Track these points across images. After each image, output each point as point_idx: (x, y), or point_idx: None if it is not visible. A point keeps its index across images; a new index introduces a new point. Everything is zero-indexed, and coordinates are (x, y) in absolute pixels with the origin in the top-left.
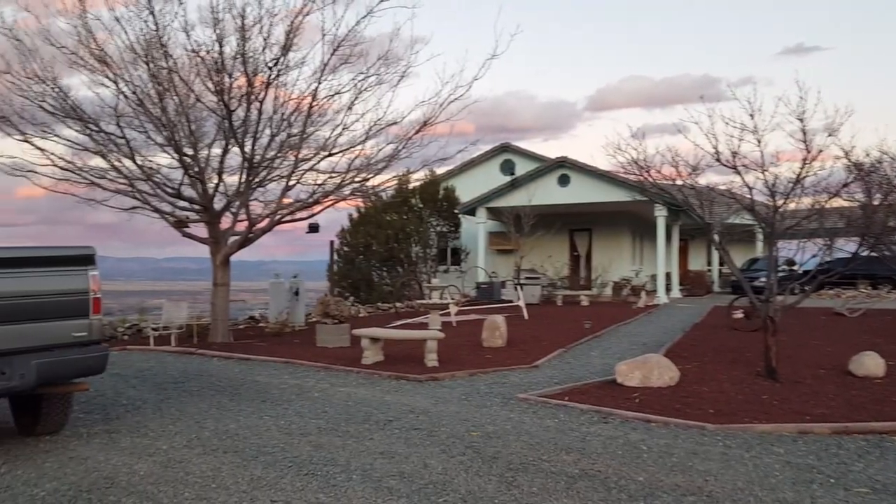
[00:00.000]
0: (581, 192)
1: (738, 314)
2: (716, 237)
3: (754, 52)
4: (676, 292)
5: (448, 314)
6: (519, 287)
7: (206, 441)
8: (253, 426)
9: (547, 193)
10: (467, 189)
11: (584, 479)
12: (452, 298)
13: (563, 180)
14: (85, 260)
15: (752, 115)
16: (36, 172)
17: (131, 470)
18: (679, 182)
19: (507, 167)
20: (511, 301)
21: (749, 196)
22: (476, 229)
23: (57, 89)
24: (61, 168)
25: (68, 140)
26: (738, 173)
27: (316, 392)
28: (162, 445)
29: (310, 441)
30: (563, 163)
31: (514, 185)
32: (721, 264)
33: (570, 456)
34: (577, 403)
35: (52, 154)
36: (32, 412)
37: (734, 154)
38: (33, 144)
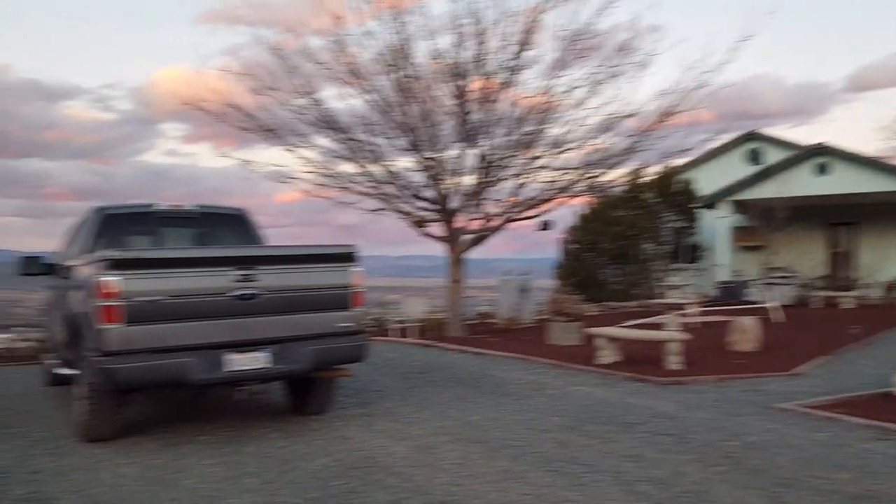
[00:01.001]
0: (843, 182)
1: None
2: None
3: None
4: None
5: (686, 314)
6: (769, 287)
7: (453, 430)
8: (495, 419)
9: (801, 184)
10: (705, 182)
11: (865, 500)
12: (692, 298)
13: (821, 169)
14: (348, 257)
15: None
16: (299, 179)
17: (389, 452)
18: None
19: (752, 156)
20: (758, 302)
21: None
22: (715, 224)
23: (316, 102)
24: (322, 175)
25: (322, 147)
26: None
27: (552, 389)
28: (414, 431)
29: (552, 438)
30: (820, 149)
31: (763, 175)
32: None
33: (847, 474)
34: (850, 417)
35: (312, 162)
36: (303, 394)
37: None
38: (297, 154)
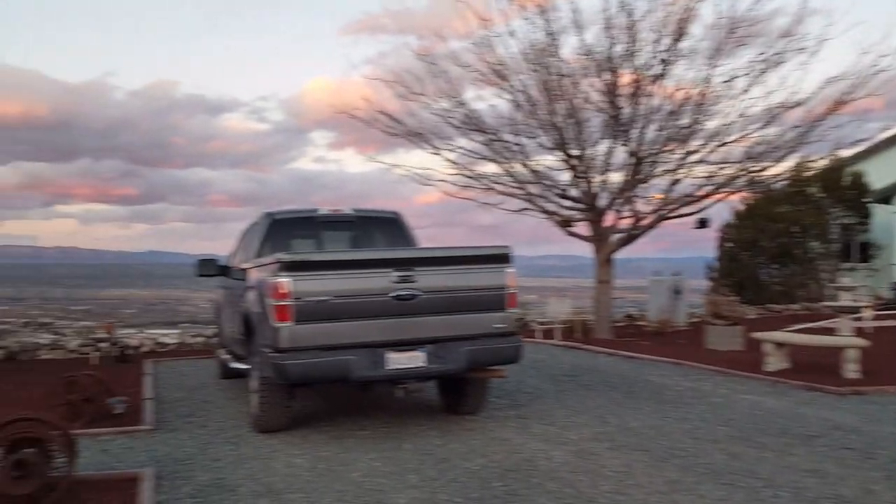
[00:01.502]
0: None
1: None
2: None
3: None
4: None
5: (859, 318)
6: None
7: (612, 436)
8: (656, 426)
9: None
10: (878, 174)
11: None
12: (864, 300)
13: None
14: (503, 258)
15: None
16: (442, 181)
17: (548, 456)
18: None
19: None
20: None
21: None
22: (890, 220)
23: (461, 104)
24: (466, 176)
25: (465, 149)
26: None
27: (716, 397)
28: (571, 436)
29: (721, 448)
30: None
31: None
32: None
33: None
34: None
35: (456, 164)
36: (457, 393)
37: None
38: (441, 156)
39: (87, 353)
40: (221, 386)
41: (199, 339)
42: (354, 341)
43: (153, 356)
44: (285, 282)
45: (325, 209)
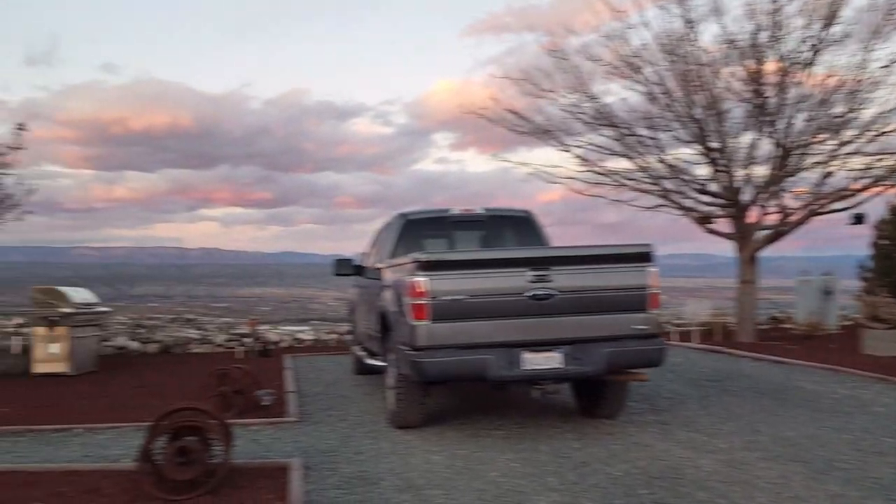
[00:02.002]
0: None
1: None
2: None
3: None
4: None
5: None
6: None
7: (765, 446)
8: (813, 436)
9: None
10: None
11: None
12: None
13: None
14: (645, 257)
15: None
16: (568, 178)
17: (695, 465)
18: None
19: None
20: None
21: None
22: None
23: (592, 99)
24: (596, 173)
25: (593, 145)
26: None
27: (879, 406)
28: (719, 444)
29: (889, 462)
30: None
31: None
32: None
33: None
34: None
35: (585, 160)
36: (594, 396)
37: None
38: (568, 153)
39: (233, 348)
40: (356, 381)
41: (333, 336)
42: (490, 341)
43: (291, 351)
44: (422, 281)
45: (456, 209)
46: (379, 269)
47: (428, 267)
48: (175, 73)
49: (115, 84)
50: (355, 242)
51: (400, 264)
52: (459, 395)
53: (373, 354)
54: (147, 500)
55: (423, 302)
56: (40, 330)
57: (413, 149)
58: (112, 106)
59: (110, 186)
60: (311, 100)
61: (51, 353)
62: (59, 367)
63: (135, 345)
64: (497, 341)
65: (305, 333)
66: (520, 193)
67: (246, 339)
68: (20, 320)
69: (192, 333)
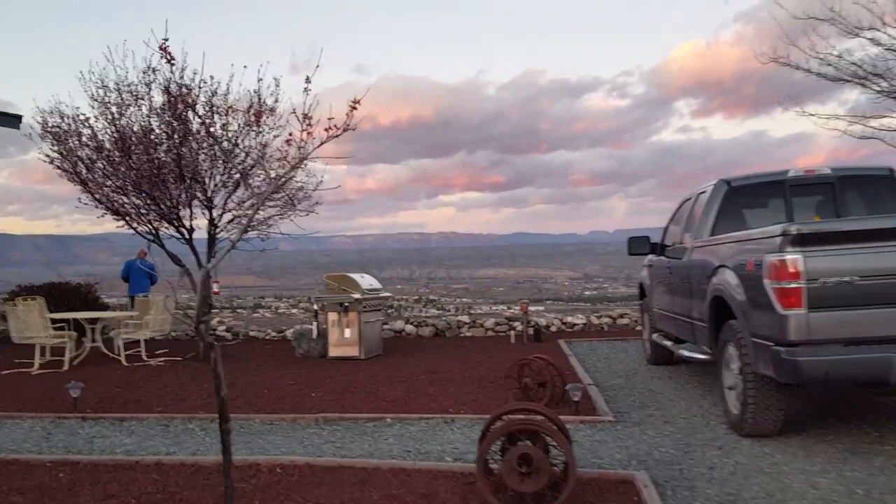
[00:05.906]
0: None
1: None
2: None
3: None
4: None
5: None
6: None
7: None
8: None
9: None
10: None
11: None
12: None
13: None
14: None
15: None
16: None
17: None
18: None
19: None
20: None
21: None
22: None
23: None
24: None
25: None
26: None
27: None
28: None
29: None
30: None
31: None
32: None
33: None
34: None
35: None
36: None
37: None
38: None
39: (504, 332)
40: (656, 373)
41: (605, 321)
42: (893, 335)
43: (563, 336)
44: (795, 259)
45: (795, 171)
46: (687, 247)
47: (801, 241)
48: (418, 67)
49: (366, 83)
50: (587, 221)
51: (749, 239)
52: (799, 397)
53: (678, 342)
54: None
55: (796, 285)
56: (334, 315)
57: (651, 119)
58: (363, 104)
59: (362, 179)
60: (545, 79)
61: (344, 338)
62: (351, 351)
63: (410, 328)
64: None
65: (577, 317)
66: (775, 158)
67: (515, 324)
68: (314, 306)
69: (464, 318)
